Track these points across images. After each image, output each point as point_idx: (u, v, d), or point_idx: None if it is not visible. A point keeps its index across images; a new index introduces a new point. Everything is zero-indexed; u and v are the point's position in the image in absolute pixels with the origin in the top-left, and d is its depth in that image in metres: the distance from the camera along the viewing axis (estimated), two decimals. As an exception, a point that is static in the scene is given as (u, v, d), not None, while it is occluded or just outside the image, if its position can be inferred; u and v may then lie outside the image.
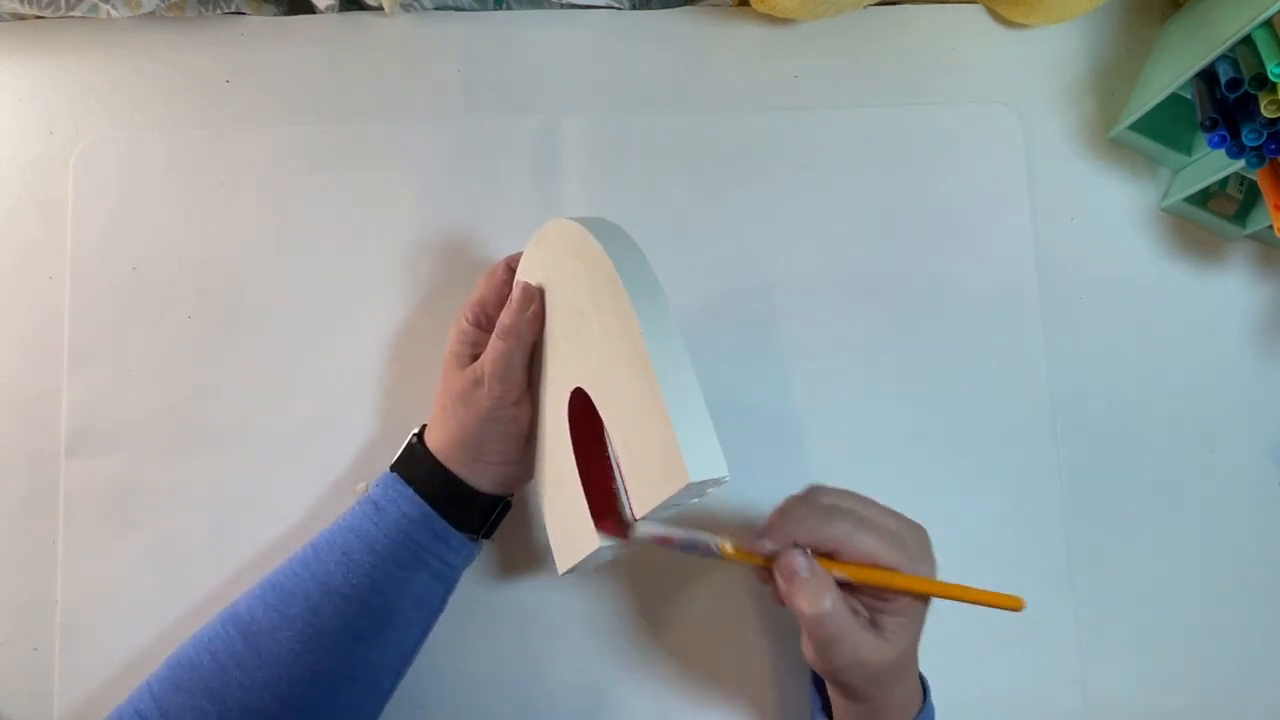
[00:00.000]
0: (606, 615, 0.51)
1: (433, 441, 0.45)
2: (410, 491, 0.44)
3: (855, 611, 0.39)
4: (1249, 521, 0.55)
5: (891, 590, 0.39)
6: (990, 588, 0.52)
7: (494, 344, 0.43)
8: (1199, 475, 0.55)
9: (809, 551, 0.39)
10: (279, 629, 0.41)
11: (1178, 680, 0.53)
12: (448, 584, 0.46)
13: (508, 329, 0.42)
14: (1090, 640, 0.53)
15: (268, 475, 0.50)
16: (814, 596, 0.38)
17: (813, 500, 0.41)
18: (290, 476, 0.50)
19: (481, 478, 0.44)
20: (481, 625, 0.50)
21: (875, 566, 0.39)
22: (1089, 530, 0.54)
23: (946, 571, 0.54)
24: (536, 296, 0.43)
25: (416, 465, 0.45)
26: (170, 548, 0.49)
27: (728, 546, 0.40)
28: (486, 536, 0.47)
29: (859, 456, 0.52)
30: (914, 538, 0.40)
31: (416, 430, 0.47)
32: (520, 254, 0.46)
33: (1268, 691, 0.54)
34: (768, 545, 0.39)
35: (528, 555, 0.51)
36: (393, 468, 0.46)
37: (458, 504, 0.44)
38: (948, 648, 0.52)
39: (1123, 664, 0.53)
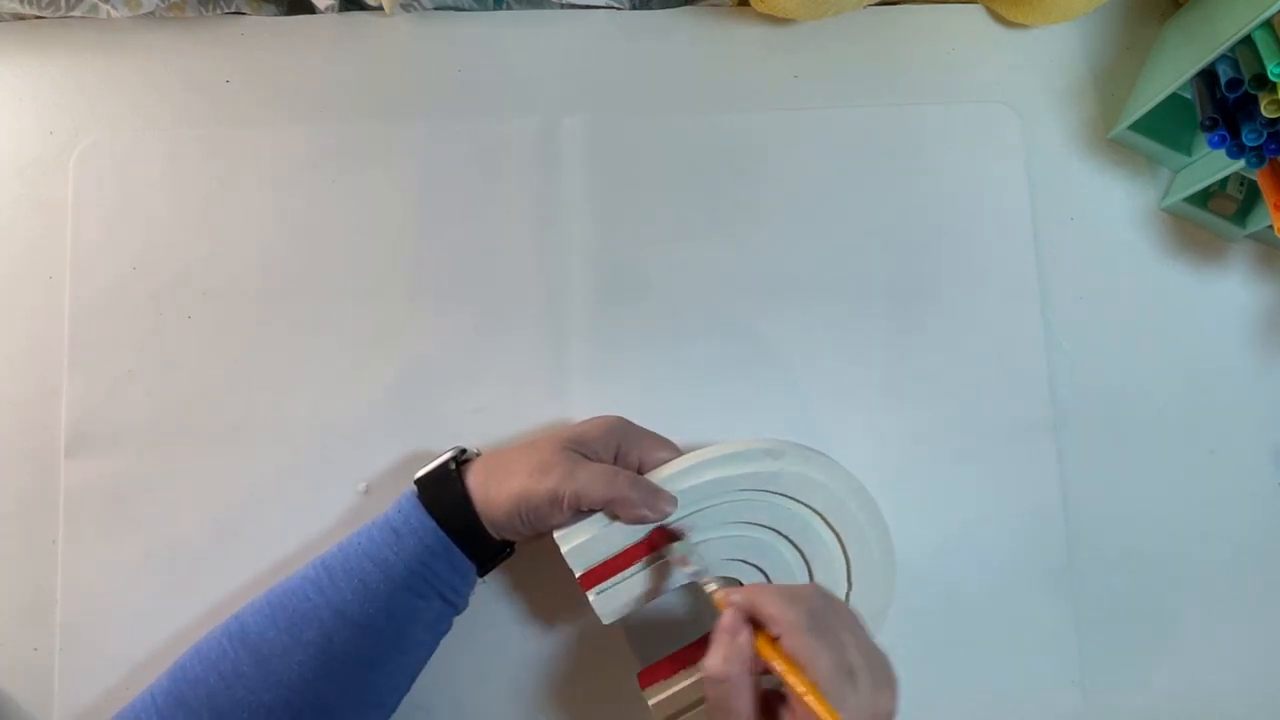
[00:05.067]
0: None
1: (478, 483, 0.44)
2: (433, 524, 0.43)
3: (767, 707, 0.37)
4: (1249, 521, 0.55)
5: (798, 700, 0.36)
6: (990, 587, 0.53)
7: (603, 491, 0.42)
8: (1199, 475, 0.55)
9: (749, 621, 0.38)
10: (290, 653, 0.41)
11: (1178, 680, 0.53)
12: (457, 609, 0.46)
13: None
14: (1090, 640, 0.53)
15: (267, 475, 0.50)
16: (724, 659, 0.37)
17: (800, 590, 0.40)
18: (290, 477, 0.50)
19: (494, 534, 0.44)
20: (482, 626, 0.50)
21: (801, 671, 0.36)
22: (1089, 531, 0.54)
23: (947, 566, 0.54)
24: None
25: (445, 496, 0.44)
26: (170, 548, 0.49)
27: (717, 590, 0.41)
28: (483, 575, 0.46)
29: (859, 457, 0.52)
30: (870, 681, 0.37)
31: (455, 453, 0.46)
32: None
33: (1268, 692, 0.54)
34: (733, 597, 0.39)
35: (529, 559, 0.50)
36: (418, 483, 0.45)
37: (474, 542, 0.44)
38: (948, 647, 0.52)
39: (1123, 664, 0.53)
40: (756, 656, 0.38)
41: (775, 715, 0.37)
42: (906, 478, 0.53)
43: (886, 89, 0.56)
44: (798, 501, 0.45)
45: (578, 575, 0.43)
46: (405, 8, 0.55)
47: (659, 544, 0.44)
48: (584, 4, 0.56)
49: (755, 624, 0.39)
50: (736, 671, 0.37)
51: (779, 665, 0.37)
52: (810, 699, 0.35)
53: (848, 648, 0.37)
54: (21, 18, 0.53)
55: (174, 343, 0.51)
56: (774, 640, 0.37)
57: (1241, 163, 0.49)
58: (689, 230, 0.54)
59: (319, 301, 0.52)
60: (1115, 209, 0.57)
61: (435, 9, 0.55)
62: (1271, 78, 0.44)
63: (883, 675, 0.38)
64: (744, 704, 0.37)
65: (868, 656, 0.38)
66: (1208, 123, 0.49)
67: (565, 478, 0.42)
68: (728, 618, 0.39)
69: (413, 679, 0.45)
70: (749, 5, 0.56)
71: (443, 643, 0.46)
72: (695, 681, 0.44)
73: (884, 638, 0.49)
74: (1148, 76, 0.55)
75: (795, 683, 0.36)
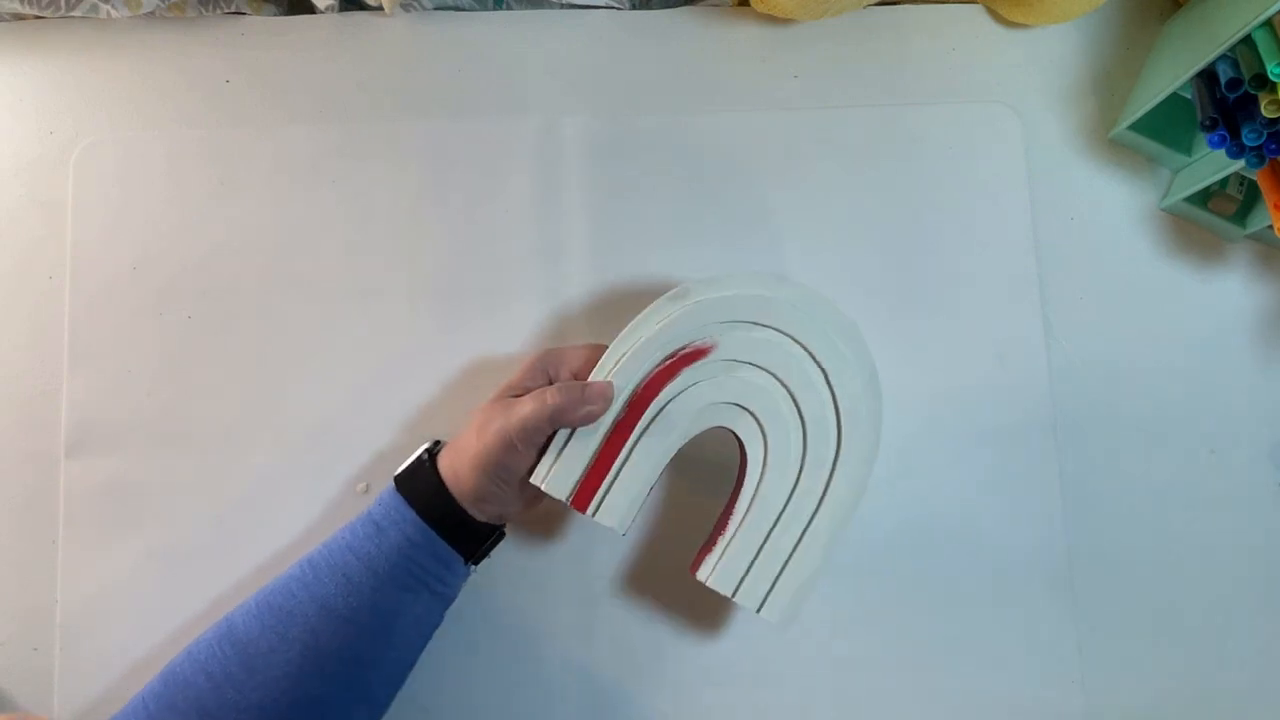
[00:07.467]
0: (609, 617, 0.51)
1: (447, 465, 0.44)
2: (412, 514, 0.43)
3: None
4: (1249, 521, 0.55)
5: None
6: (990, 587, 0.53)
7: (537, 410, 0.43)
8: (1199, 475, 0.55)
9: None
10: (276, 650, 0.41)
11: (1178, 680, 0.53)
12: (446, 603, 0.45)
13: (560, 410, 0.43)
14: (1090, 640, 0.53)
15: (267, 475, 0.50)
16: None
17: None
18: (290, 477, 0.50)
19: (479, 514, 0.44)
20: (482, 625, 0.50)
21: None
22: (1089, 530, 0.54)
23: (946, 566, 0.53)
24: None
25: (420, 485, 0.44)
26: (170, 548, 0.50)
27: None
28: (475, 563, 0.46)
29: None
30: None
31: (429, 445, 0.46)
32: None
33: (1268, 692, 0.54)
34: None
35: (528, 559, 0.51)
36: (397, 479, 0.45)
37: (457, 529, 0.44)
38: (948, 647, 0.52)
39: (1123, 664, 0.53)
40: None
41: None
42: (906, 477, 0.53)
43: (886, 89, 0.56)
44: (743, 323, 0.45)
45: (568, 501, 0.44)
46: (405, 8, 0.55)
47: (648, 398, 0.45)
48: (584, 4, 0.56)
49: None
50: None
51: None
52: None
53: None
54: (21, 18, 0.53)
55: (174, 343, 0.51)
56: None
57: (1241, 163, 0.49)
58: (688, 230, 0.54)
59: (318, 301, 0.52)
60: (1115, 209, 0.57)
61: (435, 9, 0.55)
62: (1271, 78, 0.44)
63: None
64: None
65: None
66: (1208, 123, 0.49)
67: (503, 419, 0.43)
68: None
69: (404, 675, 0.45)
70: (749, 5, 0.56)
71: (442, 642, 0.46)
72: (738, 533, 0.45)
73: (882, 638, 0.49)
74: (1148, 76, 0.55)
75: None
